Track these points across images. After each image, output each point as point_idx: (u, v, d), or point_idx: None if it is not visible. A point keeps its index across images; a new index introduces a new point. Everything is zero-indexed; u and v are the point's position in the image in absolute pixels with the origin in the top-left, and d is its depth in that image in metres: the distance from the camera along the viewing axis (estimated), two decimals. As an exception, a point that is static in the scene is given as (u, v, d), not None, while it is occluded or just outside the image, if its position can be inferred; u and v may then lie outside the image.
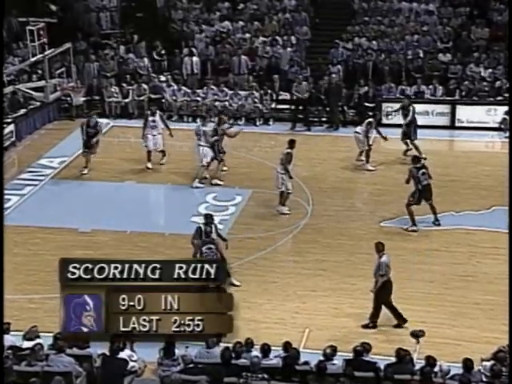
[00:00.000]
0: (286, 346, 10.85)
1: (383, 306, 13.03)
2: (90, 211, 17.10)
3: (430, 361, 10.41)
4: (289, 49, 23.86)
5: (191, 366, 10.50)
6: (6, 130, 20.49)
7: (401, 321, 13.04)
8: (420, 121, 21.24)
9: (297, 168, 18.11)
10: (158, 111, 19.52)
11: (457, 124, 21.82)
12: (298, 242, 15.94)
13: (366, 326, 13.00)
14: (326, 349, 10.74)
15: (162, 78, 23.22)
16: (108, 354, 10.49)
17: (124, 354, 10.68)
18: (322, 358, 10.56)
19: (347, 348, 11.39)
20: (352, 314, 13.41)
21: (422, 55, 23.37)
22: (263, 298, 13.94)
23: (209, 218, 14.24)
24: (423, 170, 16.12)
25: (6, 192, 18.08)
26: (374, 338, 12.30)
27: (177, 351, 10.76)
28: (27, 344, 10.85)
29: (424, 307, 13.58)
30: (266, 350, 10.70)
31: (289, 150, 16.80)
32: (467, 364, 10.31)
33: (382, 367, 10.51)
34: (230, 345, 10.72)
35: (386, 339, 12.58)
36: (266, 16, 24.98)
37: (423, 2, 24.90)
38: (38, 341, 10.83)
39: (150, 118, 19.13)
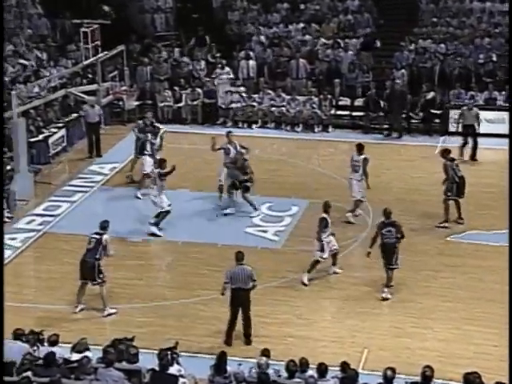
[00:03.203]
0: (344, 366, 10.36)
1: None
2: (141, 219, 16.57)
3: (501, 387, 9.63)
4: (350, 52, 23.04)
5: (243, 384, 10.11)
6: (57, 135, 20.23)
7: (226, 339, 12.43)
8: (492, 129, 20.60)
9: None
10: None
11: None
12: (358, 256, 15.22)
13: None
14: (387, 370, 10.13)
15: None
16: (157, 369, 10.16)
17: (173, 370, 10.34)
18: (381, 381, 9.99)
19: (409, 370, 10.83)
20: (415, 334, 12.76)
21: (494, 59, 22.39)
22: (320, 314, 13.52)
23: (327, 207, 14.33)
24: (456, 162, 16.09)
25: (56, 199, 18.03)
26: (438, 361, 11.59)
27: (229, 368, 10.38)
28: (75, 356, 10.56)
29: (495, 330, 12.75)
30: (322, 369, 10.24)
31: (365, 156, 16.35)
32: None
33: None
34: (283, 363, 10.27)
35: (451, 362, 11.82)
36: (327, 17, 24.32)
37: (497, 1, 23.95)
38: (86, 353, 10.53)
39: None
